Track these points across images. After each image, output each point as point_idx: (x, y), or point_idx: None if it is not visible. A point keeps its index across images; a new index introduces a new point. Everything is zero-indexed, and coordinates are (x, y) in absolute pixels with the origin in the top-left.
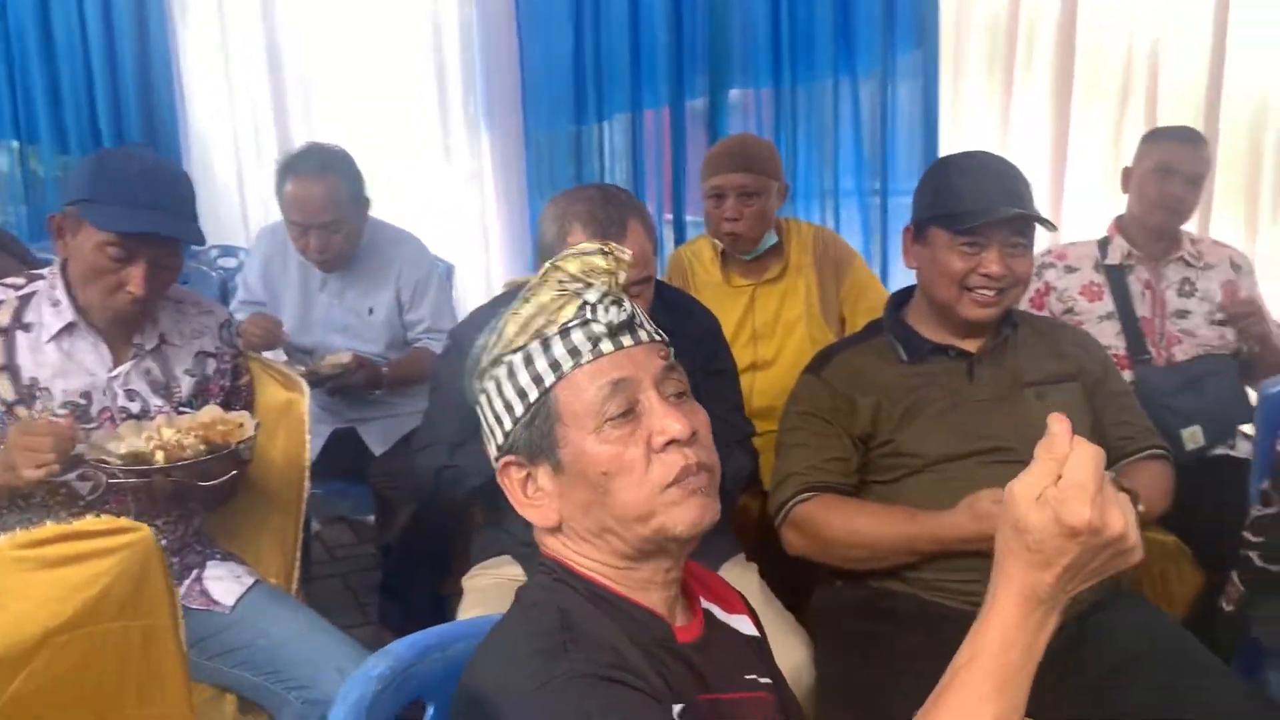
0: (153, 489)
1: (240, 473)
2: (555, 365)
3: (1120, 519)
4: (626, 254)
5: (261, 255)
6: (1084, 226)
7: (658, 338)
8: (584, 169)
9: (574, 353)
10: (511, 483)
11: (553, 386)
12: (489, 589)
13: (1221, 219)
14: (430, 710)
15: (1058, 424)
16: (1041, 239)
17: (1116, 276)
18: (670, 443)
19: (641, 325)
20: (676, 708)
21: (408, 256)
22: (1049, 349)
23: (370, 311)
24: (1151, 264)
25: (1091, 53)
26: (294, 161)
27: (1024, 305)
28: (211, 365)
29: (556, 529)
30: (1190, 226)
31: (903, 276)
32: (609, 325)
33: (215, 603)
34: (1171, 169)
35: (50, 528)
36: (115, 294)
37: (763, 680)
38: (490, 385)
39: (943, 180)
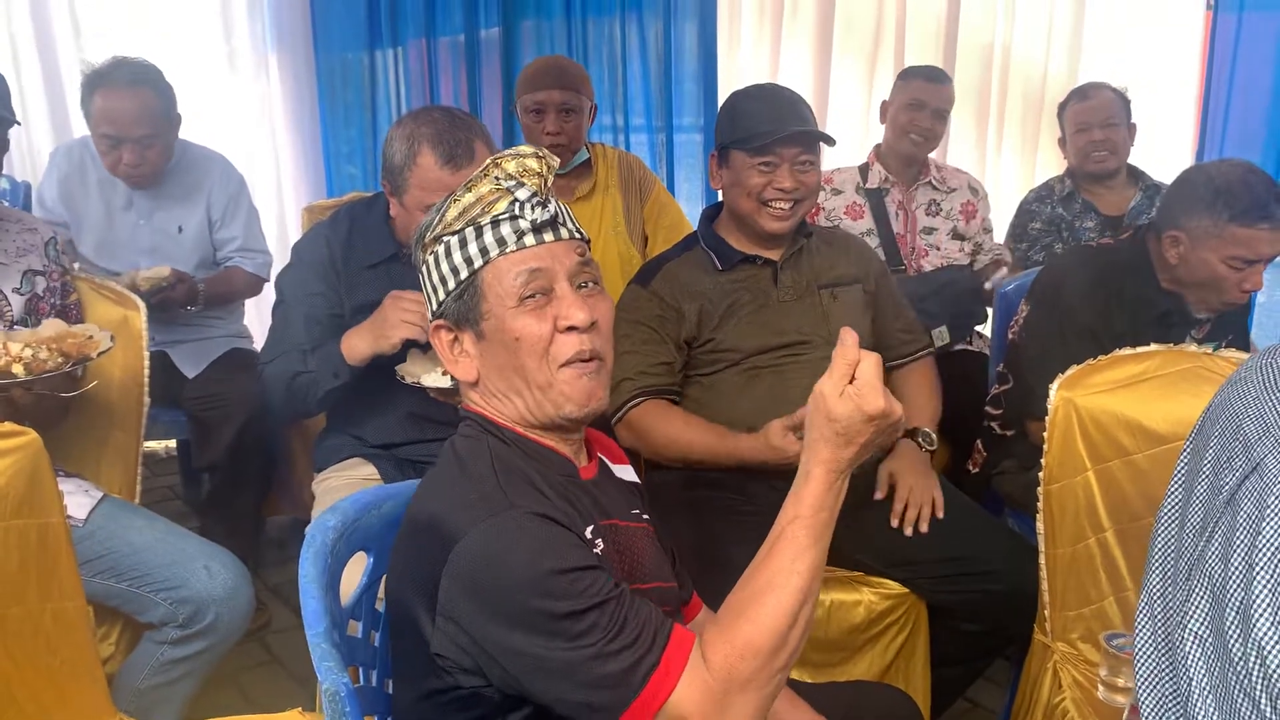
0: (12, 402)
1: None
2: (484, 251)
3: (898, 406)
4: (556, 160)
5: (59, 175)
6: (844, 154)
7: (578, 235)
8: (377, 96)
9: (500, 242)
10: (441, 343)
11: (480, 269)
12: (342, 489)
13: (958, 149)
14: (370, 559)
15: (849, 336)
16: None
17: (875, 198)
18: (571, 328)
19: (564, 224)
20: (589, 529)
21: (217, 175)
22: (837, 255)
23: (180, 230)
24: (904, 187)
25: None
26: (103, 74)
27: None
28: (41, 284)
29: (475, 384)
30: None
31: (687, 207)
32: (533, 222)
33: (68, 516)
34: (921, 104)
35: None
36: None
37: (645, 515)
38: (430, 258)
39: (739, 108)
